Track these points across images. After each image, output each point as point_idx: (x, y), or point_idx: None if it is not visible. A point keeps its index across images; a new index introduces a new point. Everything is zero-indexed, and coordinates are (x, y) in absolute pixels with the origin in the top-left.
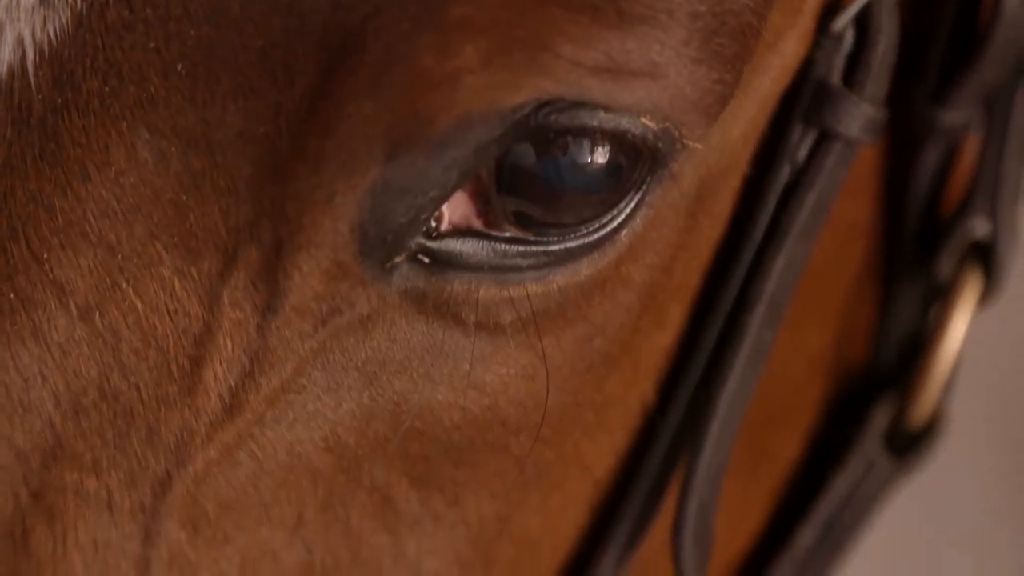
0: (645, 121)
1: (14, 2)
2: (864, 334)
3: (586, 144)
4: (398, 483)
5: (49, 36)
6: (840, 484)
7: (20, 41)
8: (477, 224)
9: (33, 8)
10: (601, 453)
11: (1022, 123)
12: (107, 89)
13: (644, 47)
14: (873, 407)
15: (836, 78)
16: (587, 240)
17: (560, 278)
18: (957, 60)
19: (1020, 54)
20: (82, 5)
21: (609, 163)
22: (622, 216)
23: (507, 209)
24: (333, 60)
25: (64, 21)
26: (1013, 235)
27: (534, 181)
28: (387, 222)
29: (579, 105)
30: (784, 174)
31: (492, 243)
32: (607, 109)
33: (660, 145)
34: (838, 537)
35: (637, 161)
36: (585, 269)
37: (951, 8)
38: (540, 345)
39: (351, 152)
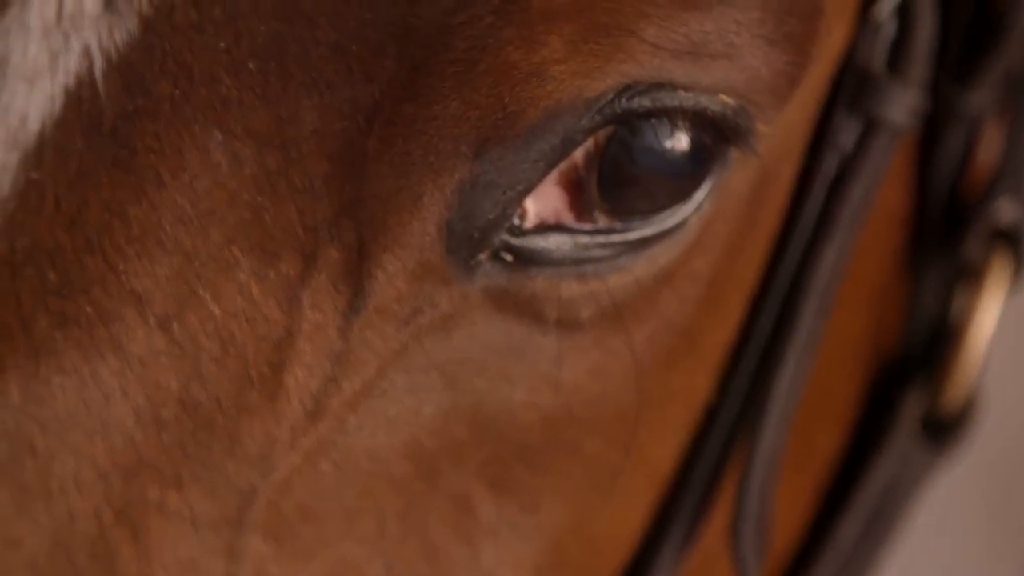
0: (724, 99)
1: (78, 11)
2: (895, 321)
3: (668, 126)
4: (475, 489)
5: (116, 43)
6: (878, 473)
7: (87, 50)
8: (567, 217)
9: (98, 16)
10: (664, 451)
11: None
12: (178, 92)
13: (721, 28)
14: (905, 394)
15: (880, 65)
16: (664, 227)
17: (639, 268)
18: (981, 43)
19: None
20: (149, 9)
21: (691, 144)
22: (696, 202)
23: (601, 197)
24: (415, 60)
25: (131, 27)
26: None
27: (627, 165)
28: (474, 218)
29: (659, 86)
30: (831, 163)
31: (574, 236)
32: (687, 89)
33: (739, 122)
34: (881, 528)
35: (716, 140)
36: (662, 258)
37: None
38: (625, 337)
39: (438, 152)
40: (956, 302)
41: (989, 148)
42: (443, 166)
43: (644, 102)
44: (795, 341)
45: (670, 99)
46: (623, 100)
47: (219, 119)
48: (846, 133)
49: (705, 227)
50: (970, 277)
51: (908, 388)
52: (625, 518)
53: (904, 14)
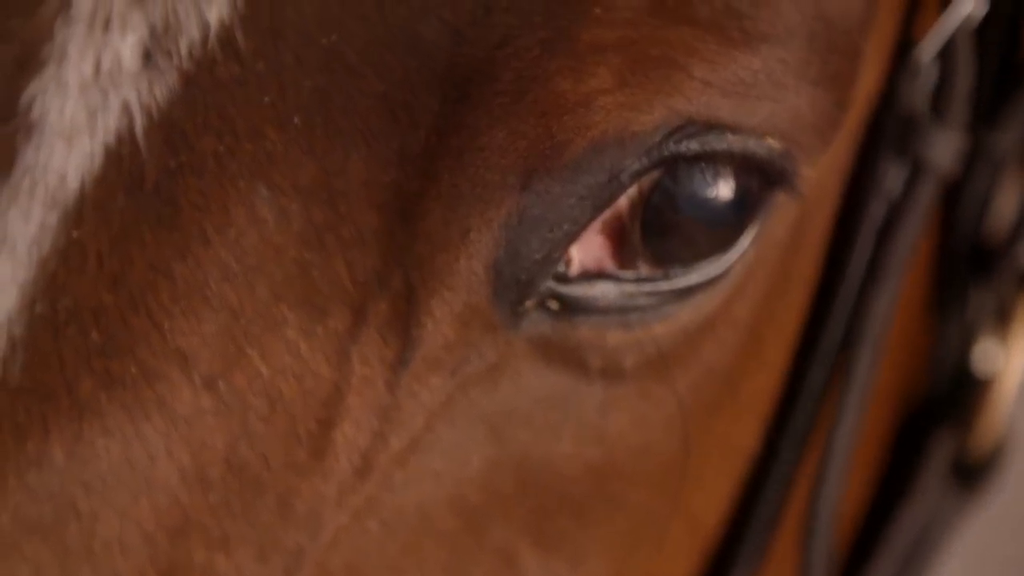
0: (770, 142)
1: (116, 67)
2: (921, 365)
3: (716, 172)
4: (521, 543)
5: (156, 99)
6: (909, 518)
7: (126, 107)
8: (610, 265)
9: (137, 72)
10: (708, 503)
11: None
12: (222, 148)
13: (768, 66)
14: (934, 438)
15: (924, 109)
16: (710, 275)
17: (684, 315)
18: (1008, 86)
19: None
20: (189, 64)
21: (735, 191)
22: (741, 249)
23: (644, 245)
24: (460, 93)
25: (171, 82)
26: None
27: (671, 214)
28: (521, 259)
29: (708, 129)
30: (880, 209)
31: (620, 284)
32: (734, 131)
33: (784, 166)
34: (912, 573)
35: (761, 185)
36: (706, 305)
37: (997, 37)
38: (669, 386)
39: (485, 184)
40: (983, 345)
41: (1012, 192)
42: (491, 198)
43: (692, 145)
44: (854, 390)
45: (718, 143)
46: (671, 143)
47: (265, 174)
48: (893, 177)
49: (747, 273)
50: (997, 320)
51: (936, 432)
52: (671, 570)
53: (946, 58)
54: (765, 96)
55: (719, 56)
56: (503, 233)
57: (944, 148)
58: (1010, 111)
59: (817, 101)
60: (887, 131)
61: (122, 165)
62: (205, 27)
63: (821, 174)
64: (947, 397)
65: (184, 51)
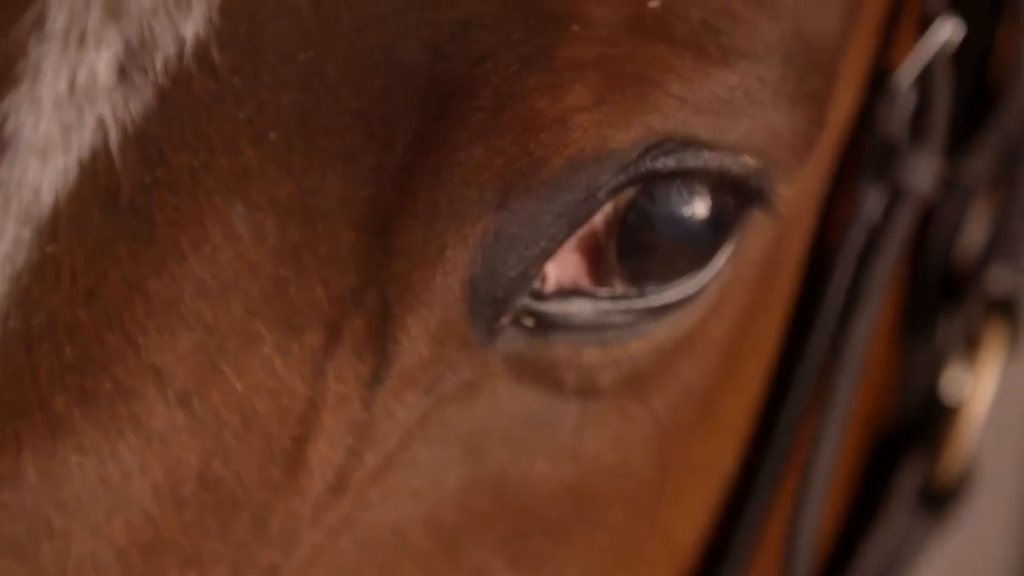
0: (746, 160)
1: (91, 83)
2: (889, 392)
3: (692, 189)
4: (496, 563)
5: (131, 114)
6: (876, 546)
7: (101, 122)
8: (586, 282)
9: (112, 88)
10: (685, 524)
11: None
12: (198, 164)
13: (745, 83)
14: (902, 466)
15: (904, 135)
16: (686, 293)
17: (660, 333)
18: (979, 113)
19: None
20: (165, 80)
21: (711, 209)
22: (716, 267)
23: (620, 264)
24: (438, 110)
25: (147, 98)
26: None
27: (647, 233)
28: (497, 276)
29: (684, 147)
30: (860, 233)
31: (595, 302)
32: (711, 148)
33: (761, 184)
34: None
35: (737, 203)
36: (682, 324)
37: (971, 63)
38: (645, 405)
39: (462, 200)
40: (952, 371)
41: (981, 219)
42: (467, 215)
43: (669, 162)
44: (835, 413)
45: (694, 160)
46: (648, 160)
47: (241, 190)
48: (873, 202)
49: (723, 293)
50: (965, 347)
51: (906, 458)
52: None
53: (924, 84)
54: (742, 113)
55: (696, 73)
56: (479, 250)
57: (923, 173)
58: (981, 137)
59: (794, 119)
60: (867, 156)
61: (97, 181)
62: (181, 43)
63: (798, 196)
64: (916, 423)
65: (159, 67)
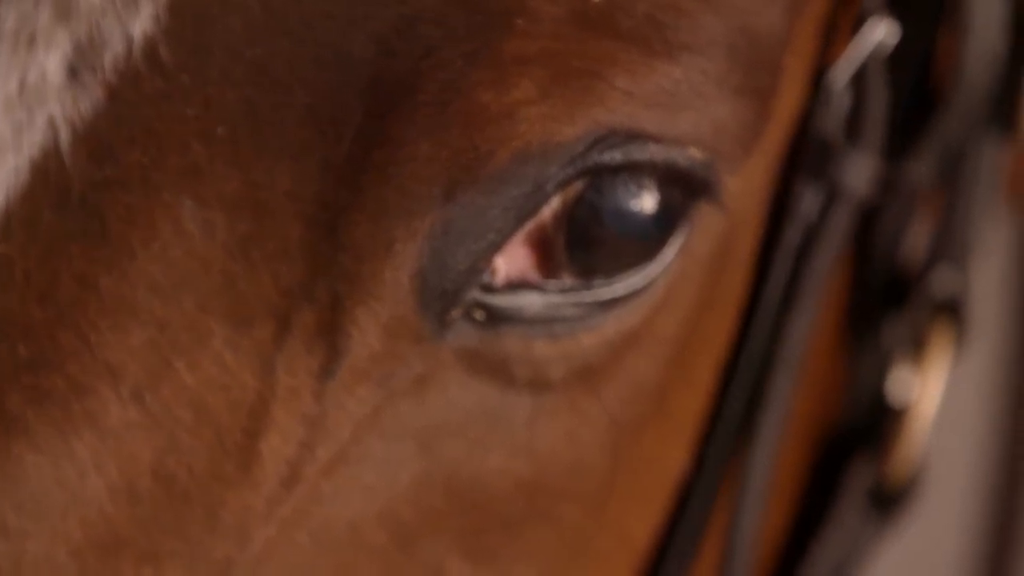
0: (693, 152)
1: (41, 83)
2: (837, 395)
3: (639, 183)
4: (452, 560)
5: (81, 113)
6: (826, 548)
7: (51, 122)
8: (534, 275)
9: (61, 87)
10: (639, 520)
11: (983, 176)
12: (147, 161)
13: (690, 76)
14: (851, 468)
15: (840, 135)
16: (634, 287)
17: (610, 327)
18: (920, 116)
19: (979, 109)
20: (114, 79)
21: (659, 202)
22: (664, 261)
23: (568, 258)
24: (385, 105)
25: (96, 97)
26: (988, 281)
27: (594, 227)
28: (446, 269)
29: (631, 140)
30: (796, 233)
31: (545, 295)
32: (657, 141)
33: (708, 176)
34: None
35: (685, 196)
36: (631, 317)
37: (911, 65)
38: (596, 399)
39: (410, 195)
40: (898, 375)
41: (926, 221)
42: (415, 209)
43: (616, 156)
44: (770, 414)
45: (641, 153)
46: (594, 153)
47: (190, 187)
48: (809, 201)
49: (671, 288)
50: (912, 349)
51: (854, 462)
52: None
53: (859, 84)
54: (687, 106)
55: (641, 67)
56: (428, 244)
57: (858, 173)
58: (923, 140)
59: (738, 111)
60: (803, 155)
61: (48, 180)
62: (129, 42)
63: (745, 192)
64: (864, 426)
65: (109, 66)
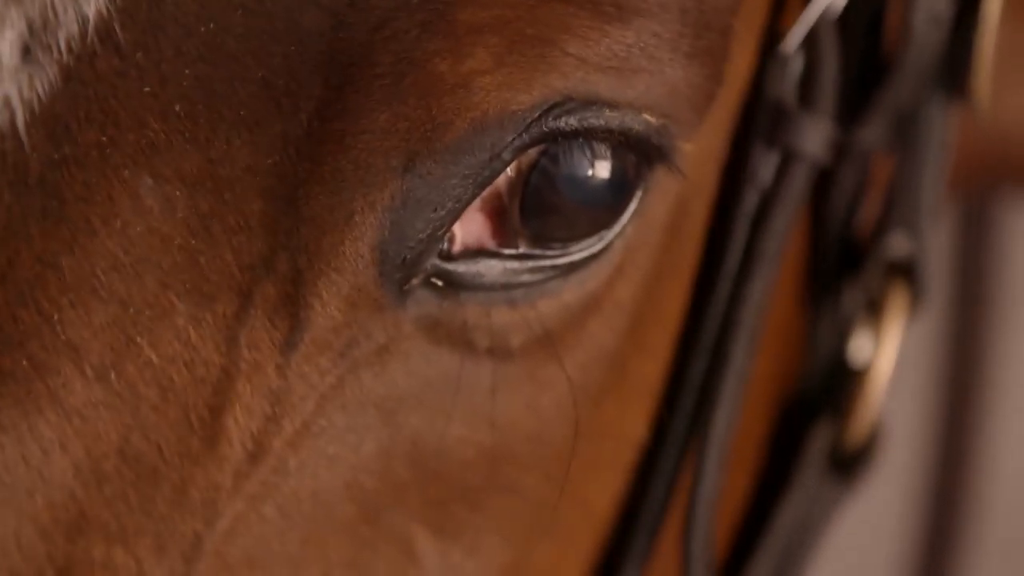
0: (647, 117)
1: None
2: (796, 358)
3: (594, 149)
4: (418, 532)
5: (38, 93)
6: (788, 511)
7: (7, 102)
8: (490, 243)
9: (16, 68)
10: (600, 489)
11: (934, 139)
12: (105, 139)
13: (642, 40)
14: (810, 430)
15: (792, 98)
16: (591, 250)
17: (567, 293)
18: (871, 80)
19: (929, 72)
20: (69, 58)
21: (613, 169)
22: (620, 226)
23: (523, 225)
24: (341, 77)
25: (52, 76)
26: (933, 250)
27: (549, 194)
28: (406, 239)
29: (586, 106)
30: (752, 198)
31: (503, 261)
32: (611, 107)
33: (662, 141)
34: (792, 565)
35: (639, 161)
36: (589, 282)
37: (861, 30)
38: (556, 367)
39: (368, 167)
40: (855, 336)
41: (879, 183)
42: (374, 181)
43: (571, 121)
44: (729, 379)
45: (596, 119)
46: (550, 119)
47: (149, 164)
48: (764, 166)
49: (628, 253)
50: (868, 311)
51: (813, 424)
52: (565, 557)
53: (810, 48)
54: (640, 70)
55: (593, 32)
56: (387, 215)
57: (812, 137)
58: (874, 105)
59: (691, 74)
60: (757, 120)
61: (5, 160)
62: (84, 21)
63: (700, 158)
64: (822, 389)
65: (63, 45)
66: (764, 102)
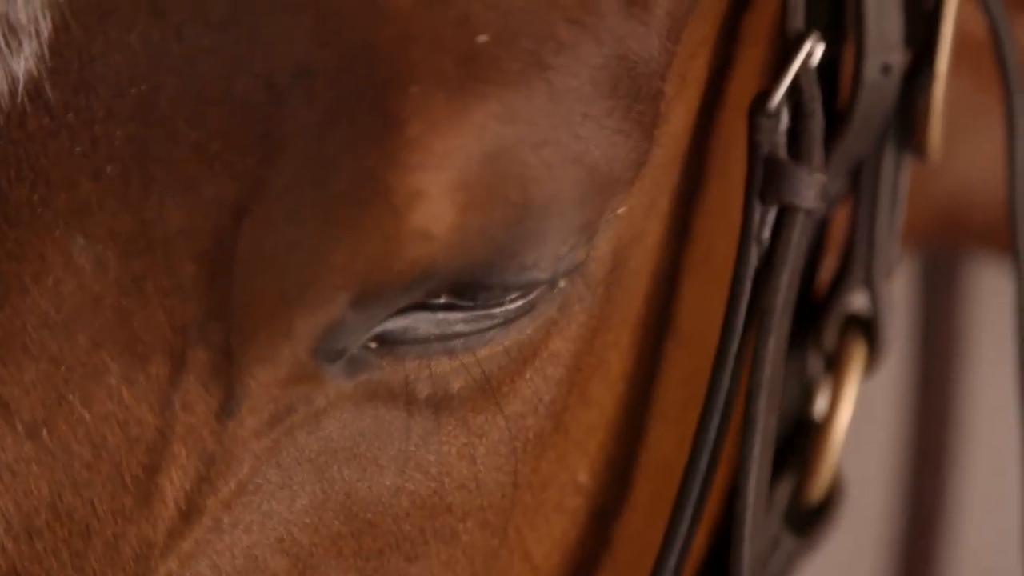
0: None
1: None
2: None
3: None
4: None
5: None
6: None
7: None
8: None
9: None
10: (540, 539)
11: (889, 189)
12: (36, 198)
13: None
14: (774, 484)
15: (783, 153)
16: (526, 300)
17: (507, 340)
18: (830, 131)
19: (882, 122)
20: None
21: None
22: (555, 275)
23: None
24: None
25: None
26: (891, 303)
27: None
28: (345, 338)
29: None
30: (753, 255)
31: (433, 312)
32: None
33: (583, 256)
34: None
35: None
36: (527, 328)
37: (825, 81)
38: (495, 412)
39: (317, 295)
40: (815, 390)
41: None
42: (317, 309)
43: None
44: (755, 442)
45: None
46: None
47: (80, 223)
48: (764, 224)
49: (563, 304)
50: (826, 364)
51: (776, 477)
52: None
53: (793, 100)
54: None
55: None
56: (326, 333)
57: (809, 190)
58: (831, 155)
59: (618, 149)
60: (751, 176)
61: None
62: (14, 81)
63: (639, 212)
64: (783, 443)
65: None
66: (755, 159)
